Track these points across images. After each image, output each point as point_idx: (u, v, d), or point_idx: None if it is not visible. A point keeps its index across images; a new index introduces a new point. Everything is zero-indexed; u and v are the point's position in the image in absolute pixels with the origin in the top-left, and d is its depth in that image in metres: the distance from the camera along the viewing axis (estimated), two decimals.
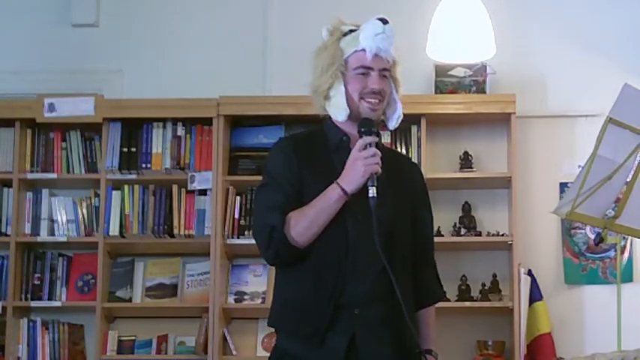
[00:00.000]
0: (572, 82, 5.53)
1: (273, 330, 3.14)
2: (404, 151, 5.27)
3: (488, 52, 5.34)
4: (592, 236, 5.31)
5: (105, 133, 5.41)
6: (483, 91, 5.41)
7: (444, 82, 5.45)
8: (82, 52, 5.78)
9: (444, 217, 5.27)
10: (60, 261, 5.47)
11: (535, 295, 5.19)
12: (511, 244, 5.22)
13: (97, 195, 5.43)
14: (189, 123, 5.43)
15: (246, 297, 5.38)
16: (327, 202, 2.94)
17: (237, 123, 5.48)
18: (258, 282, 5.41)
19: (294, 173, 3.03)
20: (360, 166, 2.91)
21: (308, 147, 3.10)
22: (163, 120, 5.45)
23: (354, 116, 3.04)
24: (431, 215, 3.22)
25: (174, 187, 5.38)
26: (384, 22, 3.03)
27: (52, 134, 5.48)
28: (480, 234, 5.35)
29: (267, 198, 3.04)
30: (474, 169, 5.38)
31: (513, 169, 5.28)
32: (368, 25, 3.03)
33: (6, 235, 5.42)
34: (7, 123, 5.47)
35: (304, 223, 2.95)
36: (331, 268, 2.96)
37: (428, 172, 4.99)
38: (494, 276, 5.35)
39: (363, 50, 3.02)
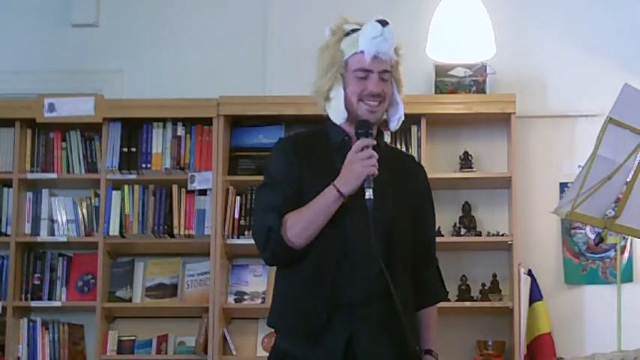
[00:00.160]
0: (572, 82, 5.53)
1: (273, 330, 3.14)
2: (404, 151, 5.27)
3: (488, 52, 5.34)
4: (592, 236, 5.31)
5: (105, 133, 5.41)
6: (483, 91, 5.41)
7: (444, 82, 5.45)
8: (82, 52, 5.78)
9: (444, 217, 5.26)
10: (60, 261, 5.47)
11: (535, 295, 5.19)
12: (511, 244, 5.22)
13: (97, 195, 5.43)
14: (189, 123, 5.43)
15: (246, 297, 5.38)
16: (323, 204, 2.94)
17: (237, 123, 5.48)
18: (258, 282, 5.41)
19: (293, 173, 3.03)
20: (356, 168, 2.91)
21: (309, 147, 3.10)
22: (163, 120, 5.45)
23: (353, 118, 3.04)
24: (433, 215, 3.22)
25: (174, 187, 5.38)
26: (383, 24, 3.01)
27: (52, 134, 5.48)
28: (479, 234, 5.35)
29: (266, 198, 3.05)
30: (474, 169, 5.38)
31: (513, 169, 5.28)
32: (367, 27, 3.02)
33: (6, 235, 5.42)
34: (7, 123, 5.47)
35: (301, 225, 2.96)
36: (329, 269, 2.97)
37: (428, 172, 4.93)
38: (494, 276, 5.35)
39: (362, 52, 3.02)
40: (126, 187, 5.39)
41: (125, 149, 5.41)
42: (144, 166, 5.41)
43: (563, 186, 5.40)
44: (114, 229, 5.36)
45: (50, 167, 5.45)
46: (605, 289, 5.34)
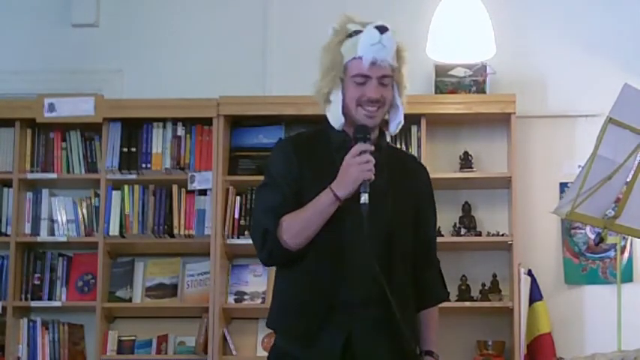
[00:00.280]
0: (572, 82, 5.53)
1: (272, 330, 3.14)
2: None
3: (488, 52, 5.34)
4: (592, 236, 5.31)
5: (105, 133, 5.41)
6: (483, 91, 5.41)
7: (444, 82, 5.45)
8: (82, 52, 5.78)
9: (444, 217, 5.25)
10: (60, 261, 5.47)
11: (535, 295, 5.19)
12: (511, 244, 5.22)
13: (97, 195, 5.43)
14: (189, 123, 5.43)
15: (246, 297, 5.38)
16: (320, 207, 2.95)
17: (237, 123, 5.48)
18: (258, 282, 5.41)
19: (293, 174, 3.03)
20: (352, 172, 2.91)
21: (310, 147, 3.10)
22: (163, 120, 5.45)
23: (352, 122, 3.04)
24: (434, 216, 3.22)
25: (174, 187, 5.38)
26: (382, 30, 2.99)
27: (52, 134, 5.48)
28: (480, 234, 5.35)
29: (264, 199, 3.07)
30: (474, 169, 5.38)
31: (513, 169, 5.28)
32: (365, 33, 3.00)
33: (6, 235, 5.42)
34: (7, 123, 5.47)
35: (297, 227, 2.96)
36: (327, 270, 2.97)
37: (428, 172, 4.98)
38: (494, 276, 5.35)
39: (361, 58, 3.00)
40: (126, 187, 5.39)
41: (125, 149, 5.41)
42: (144, 166, 5.41)
43: (563, 186, 5.40)
44: (114, 229, 5.36)
45: (50, 167, 5.45)
46: (605, 289, 5.34)
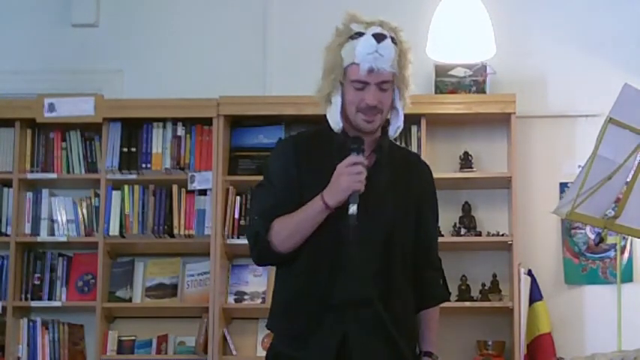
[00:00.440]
0: (572, 82, 5.53)
1: (270, 331, 3.15)
2: None
3: (488, 52, 5.34)
4: (592, 236, 5.30)
5: (105, 133, 5.41)
6: (483, 91, 5.41)
7: (444, 82, 5.45)
8: (82, 52, 5.78)
9: (444, 217, 5.21)
10: (60, 261, 5.47)
11: (535, 295, 5.19)
12: (511, 244, 5.22)
13: (97, 195, 5.43)
14: (189, 123, 5.43)
15: (246, 297, 5.38)
16: (310, 213, 2.95)
17: (237, 123, 5.48)
18: (258, 282, 5.41)
19: (291, 175, 3.03)
20: (343, 182, 2.90)
21: (311, 146, 3.09)
22: (163, 120, 5.45)
23: (352, 125, 3.04)
24: (436, 215, 3.21)
25: (174, 187, 5.38)
26: (379, 39, 2.97)
27: (52, 134, 5.48)
28: (480, 234, 5.35)
29: (259, 201, 3.09)
30: (474, 169, 5.38)
31: (513, 169, 5.28)
32: (362, 41, 2.97)
33: (6, 235, 5.42)
34: (7, 123, 5.47)
35: (287, 232, 2.97)
36: (322, 270, 2.97)
37: None
38: (494, 276, 5.35)
39: (359, 65, 2.97)
40: (126, 187, 5.39)
41: (125, 149, 5.41)
42: (144, 166, 5.41)
43: (563, 186, 5.40)
44: (114, 229, 5.36)
45: (50, 167, 5.45)
46: (605, 289, 5.34)
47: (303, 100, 5.01)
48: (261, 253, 3.03)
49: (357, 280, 2.96)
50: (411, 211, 3.09)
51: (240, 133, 5.47)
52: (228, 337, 5.33)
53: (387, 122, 3.12)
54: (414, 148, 5.31)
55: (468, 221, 5.37)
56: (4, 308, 5.32)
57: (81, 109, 5.38)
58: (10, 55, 5.83)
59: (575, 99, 5.51)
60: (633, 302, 5.16)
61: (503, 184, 5.36)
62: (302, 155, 3.06)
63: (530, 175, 5.46)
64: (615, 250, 5.26)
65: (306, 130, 3.44)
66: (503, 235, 5.32)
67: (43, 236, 5.41)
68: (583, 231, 5.37)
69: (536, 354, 5.15)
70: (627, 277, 5.28)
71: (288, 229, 2.97)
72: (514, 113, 5.28)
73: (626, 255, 5.32)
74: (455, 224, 5.36)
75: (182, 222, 5.35)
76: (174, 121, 5.44)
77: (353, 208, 2.88)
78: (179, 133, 5.43)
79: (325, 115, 3.09)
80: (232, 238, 5.32)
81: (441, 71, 5.45)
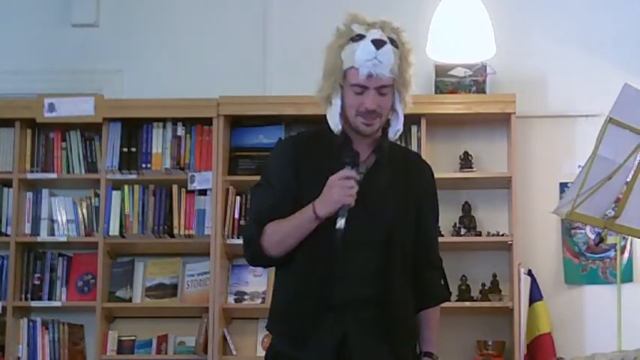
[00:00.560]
0: (572, 82, 5.53)
1: (269, 332, 3.16)
2: None
3: (488, 52, 5.34)
4: (592, 236, 5.30)
5: (105, 133, 5.41)
6: (483, 91, 5.41)
7: (444, 82, 5.45)
8: (82, 52, 5.78)
9: (444, 217, 5.20)
10: (60, 261, 5.47)
11: (535, 295, 5.19)
12: (511, 244, 5.22)
13: (97, 195, 5.43)
14: (189, 123, 5.43)
15: (246, 297, 5.38)
16: (301, 221, 2.96)
17: (237, 123, 5.48)
18: (258, 282, 5.41)
19: (290, 175, 3.03)
20: (334, 194, 2.89)
21: (311, 146, 3.09)
22: (163, 120, 5.45)
23: (351, 127, 3.04)
24: (436, 215, 3.20)
25: (174, 187, 5.39)
26: (378, 45, 2.96)
27: (52, 134, 5.48)
28: (479, 234, 5.35)
29: (255, 202, 3.13)
30: (474, 169, 5.38)
31: (513, 169, 5.28)
32: (361, 47, 2.96)
33: (6, 235, 5.42)
34: (7, 123, 5.47)
35: (277, 237, 2.99)
36: (320, 270, 2.97)
37: None
38: (494, 276, 5.35)
39: (358, 69, 2.97)
40: (126, 187, 5.39)
41: (125, 149, 5.41)
42: (144, 166, 5.41)
43: (563, 186, 5.40)
44: (114, 229, 5.36)
45: (50, 167, 5.45)
46: (605, 289, 5.34)
47: (303, 100, 5.01)
48: (254, 255, 3.06)
49: (357, 280, 2.96)
50: (412, 211, 3.08)
51: (240, 133, 5.47)
52: (228, 337, 5.33)
53: (388, 122, 3.11)
54: (414, 148, 5.31)
55: (468, 221, 5.37)
56: (4, 308, 5.32)
57: (81, 109, 5.38)
58: (10, 55, 5.83)
59: (575, 99, 5.51)
60: (633, 302, 5.16)
61: (503, 184, 5.36)
62: (302, 156, 3.06)
63: (530, 175, 5.46)
64: (615, 250, 5.26)
65: (306, 130, 3.43)
66: (503, 235, 5.32)
67: (43, 236, 5.41)
68: (583, 231, 5.38)
69: (536, 354, 5.15)
70: (627, 277, 5.28)
71: (280, 234, 2.98)
72: (514, 113, 5.28)
73: (626, 255, 5.32)
74: (455, 224, 5.36)
75: (182, 222, 5.35)
76: (174, 121, 5.44)
77: (341, 222, 2.88)
78: (179, 133, 5.43)
79: (325, 116, 3.09)
80: (232, 238, 5.32)
81: (441, 71, 5.45)
